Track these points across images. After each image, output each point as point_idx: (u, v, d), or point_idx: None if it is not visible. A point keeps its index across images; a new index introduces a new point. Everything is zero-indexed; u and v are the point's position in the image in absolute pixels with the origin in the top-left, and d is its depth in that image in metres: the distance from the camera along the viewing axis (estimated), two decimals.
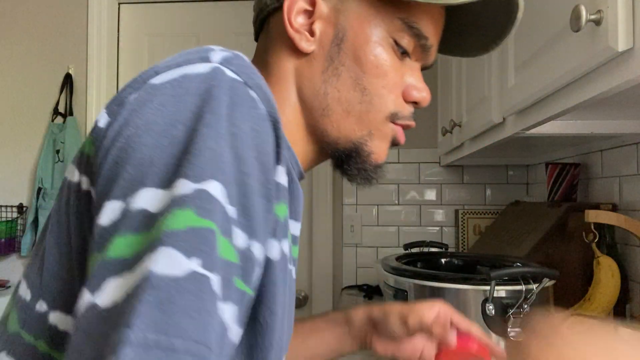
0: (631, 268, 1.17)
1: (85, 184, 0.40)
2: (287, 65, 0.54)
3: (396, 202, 2.10)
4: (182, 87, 0.37)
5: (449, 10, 0.56)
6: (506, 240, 1.44)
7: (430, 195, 2.08)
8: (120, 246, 0.33)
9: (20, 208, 2.24)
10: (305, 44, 0.52)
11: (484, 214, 2.01)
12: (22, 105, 2.27)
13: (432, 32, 0.53)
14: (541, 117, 0.83)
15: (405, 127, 0.55)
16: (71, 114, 2.22)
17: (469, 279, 0.89)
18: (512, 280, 0.86)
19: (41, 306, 0.41)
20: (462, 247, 2.01)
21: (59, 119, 2.23)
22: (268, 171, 0.37)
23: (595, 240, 1.09)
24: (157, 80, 0.39)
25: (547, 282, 0.86)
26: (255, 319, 0.41)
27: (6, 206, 2.24)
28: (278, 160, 0.39)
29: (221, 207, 0.33)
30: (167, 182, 0.34)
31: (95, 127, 0.40)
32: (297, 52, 0.53)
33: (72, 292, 0.39)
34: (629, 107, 0.84)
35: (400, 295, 0.97)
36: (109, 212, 0.34)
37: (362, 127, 0.53)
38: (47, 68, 2.26)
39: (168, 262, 0.30)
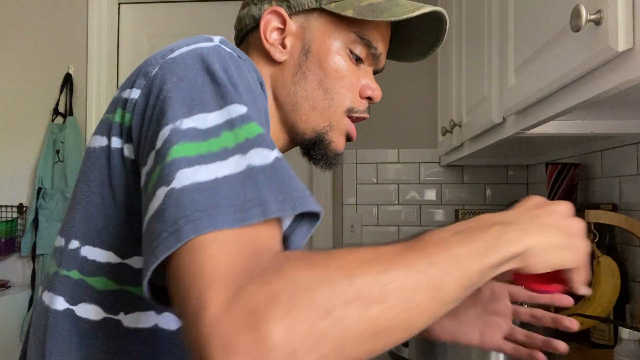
0: (631, 268, 1.17)
1: (127, 150, 0.50)
2: (264, 72, 0.66)
3: (396, 202, 2.10)
4: (197, 55, 0.49)
5: (393, 24, 0.69)
6: None
7: (430, 195, 2.08)
8: (179, 150, 0.41)
9: (20, 208, 2.24)
10: (279, 55, 0.65)
11: None
12: (22, 105, 2.27)
13: (380, 42, 0.67)
14: (541, 117, 0.83)
15: (360, 119, 0.68)
16: (71, 114, 2.22)
17: None
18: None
19: (73, 244, 0.52)
20: None
21: (59, 119, 2.23)
22: (263, 110, 0.50)
23: (595, 240, 1.09)
24: (174, 55, 0.51)
25: None
26: None
27: (6, 206, 2.24)
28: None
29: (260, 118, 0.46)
30: (218, 107, 0.44)
31: (129, 100, 0.50)
32: (272, 61, 0.66)
33: (98, 230, 0.51)
34: (629, 107, 0.84)
35: None
36: (161, 139, 0.43)
37: (325, 120, 0.66)
38: (47, 68, 2.26)
39: (262, 156, 0.41)
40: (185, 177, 0.39)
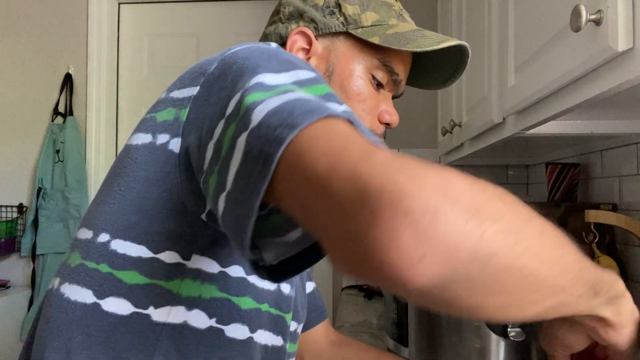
0: (631, 268, 1.17)
1: (174, 144, 0.50)
2: None
3: None
4: (257, 45, 0.52)
5: (416, 54, 0.70)
6: None
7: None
8: (250, 98, 0.40)
9: (20, 208, 2.24)
10: None
11: None
12: (22, 105, 2.27)
13: (401, 69, 0.69)
14: (541, 117, 0.83)
15: None
16: (71, 114, 2.22)
17: None
18: None
19: (103, 238, 0.51)
20: None
21: (59, 119, 2.23)
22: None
23: (595, 240, 1.09)
24: (234, 49, 0.53)
25: None
26: None
27: (6, 206, 2.24)
28: None
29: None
30: (285, 70, 0.44)
31: (185, 98, 0.51)
32: None
33: (130, 224, 0.51)
34: (629, 107, 0.84)
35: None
36: (232, 104, 0.43)
37: None
38: (47, 68, 2.26)
39: (334, 107, 0.38)
40: (259, 112, 0.38)
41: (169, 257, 0.50)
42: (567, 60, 0.67)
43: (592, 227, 1.08)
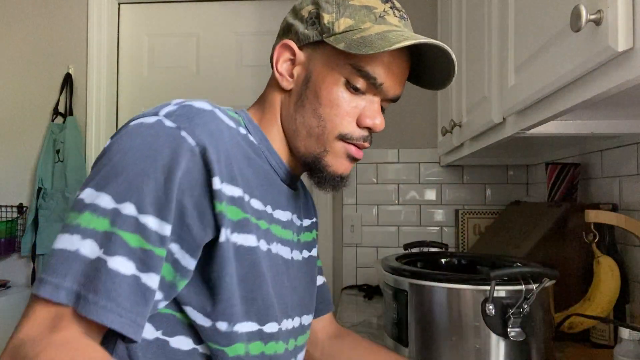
0: (631, 268, 1.17)
1: None
2: (276, 98, 0.75)
3: (396, 202, 2.10)
4: (134, 131, 0.59)
5: (410, 54, 0.72)
6: (506, 240, 1.44)
7: (430, 195, 2.08)
8: (69, 217, 0.57)
9: (20, 208, 2.24)
10: (286, 83, 0.72)
11: (484, 214, 2.01)
12: (22, 105, 2.27)
13: (380, 71, 0.68)
14: (541, 117, 0.83)
15: (359, 147, 0.72)
16: (71, 114, 2.22)
17: (469, 279, 0.89)
18: (512, 280, 0.86)
19: None
20: (462, 247, 2.01)
21: (59, 119, 2.23)
22: (176, 189, 0.56)
23: (595, 240, 1.09)
24: (130, 124, 0.61)
25: (547, 282, 0.86)
26: (204, 276, 0.61)
27: (6, 206, 2.24)
28: (212, 173, 0.59)
29: (130, 216, 0.55)
30: (98, 189, 0.56)
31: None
32: (282, 88, 0.73)
33: None
34: (629, 107, 0.84)
35: (400, 295, 0.97)
36: (75, 196, 0.58)
37: (319, 145, 0.71)
38: (47, 68, 2.26)
39: (92, 250, 0.55)
40: (57, 240, 0.54)
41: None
42: (567, 60, 0.67)
43: (592, 227, 1.08)
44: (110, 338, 0.58)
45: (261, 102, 0.77)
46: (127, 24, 2.34)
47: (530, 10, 0.86)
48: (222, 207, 0.59)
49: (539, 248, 1.23)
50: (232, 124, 0.67)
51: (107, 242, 0.53)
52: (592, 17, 0.57)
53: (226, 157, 0.61)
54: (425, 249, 1.53)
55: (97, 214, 0.54)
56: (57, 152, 2.17)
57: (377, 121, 0.70)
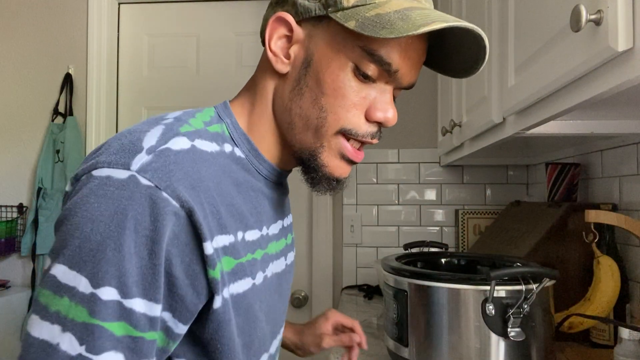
0: (631, 268, 1.17)
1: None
2: (268, 84, 0.63)
3: (396, 202, 2.10)
4: (102, 189, 0.48)
5: (430, 33, 0.59)
6: (506, 240, 1.44)
7: (430, 195, 2.08)
8: (42, 294, 0.47)
9: (20, 208, 2.24)
10: (281, 65, 0.60)
11: (484, 214, 2.01)
12: (22, 105, 2.27)
13: (396, 56, 0.57)
14: (541, 117, 0.83)
15: (363, 143, 0.62)
16: (71, 114, 2.22)
17: (469, 279, 0.89)
18: (512, 280, 0.86)
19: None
20: (462, 247, 2.01)
21: (59, 119, 2.23)
22: (163, 262, 0.48)
23: (595, 240, 1.09)
24: (95, 172, 0.50)
25: (547, 282, 0.86)
26: (198, 334, 0.55)
27: (6, 206, 2.24)
28: (202, 238, 0.51)
29: (114, 302, 0.46)
30: (74, 268, 0.46)
31: (66, 191, 0.53)
32: (276, 72, 0.61)
33: None
34: (629, 107, 0.84)
35: (400, 295, 0.97)
36: (46, 260, 0.49)
37: (316, 139, 0.60)
38: (47, 68, 2.26)
39: (72, 345, 0.46)
40: (31, 324, 0.46)
41: None
42: (567, 60, 0.67)
43: (592, 227, 1.08)
44: None
45: (251, 88, 0.65)
46: (127, 24, 2.34)
47: (530, 10, 0.86)
48: (215, 272, 0.52)
49: (539, 248, 1.23)
50: (215, 147, 0.58)
51: (89, 336, 0.45)
52: (592, 17, 0.57)
53: (212, 208, 0.53)
54: (425, 249, 1.53)
55: (74, 300, 0.45)
56: (57, 152, 2.17)
57: (390, 114, 0.59)
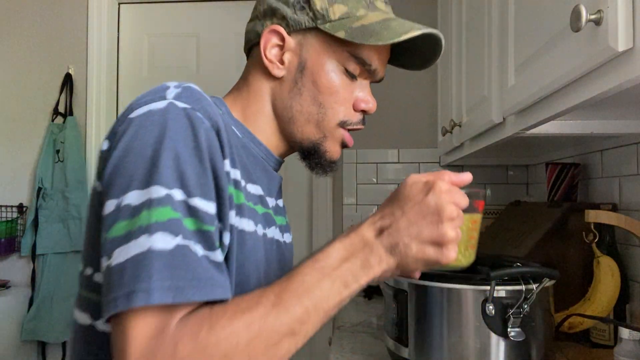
0: (631, 268, 1.17)
1: (99, 187, 0.58)
2: (264, 86, 0.73)
3: None
4: (148, 120, 0.55)
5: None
6: (506, 240, 1.44)
7: None
8: (117, 229, 0.51)
9: (20, 208, 2.24)
10: (277, 71, 0.71)
11: (484, 214, 2.01)
12: (22, 105, 2.27)
13: (375, 58, 0.71)
14: (541, 117, 0.83)
15: (355, 130, 0.74)
16: (71, 114, 2.22)
17: (469, 279, 0.89)
18: (512, 280, 0.86)
19: (87, 270, 0.61)
20: None
21: (59, 119, 2.23)
22: (210, 164, 0.56)
23: (595, 240, 1.08)
24: (133, 114, 0.57)
25: (547, 282, 0.86)
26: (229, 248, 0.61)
27: (6, 206, 2.24)
28: (224, 155, 0.58)
29: (181, 201, 0.52)
30: (145, 185, 0.52)
31: (101, 151, 0.59)
32: (271, 76, 0.71)
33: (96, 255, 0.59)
34: (629, 107, 0.84)
35: (401, 295, 0.97)
36: (109, 207, 0.53)
37: (319, 131, 0.72)
38: (47, 68, 2.26)
39: (164, 241, 0.50)
40: (115, 256, 0.50)
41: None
42: (567, 60, 0.67)
43: (592, 227, 1.08)
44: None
45: (243, 90, 0.74)
46: (127, 24, 2.34)
47: (530, 10, 0.86)
48: (231, 190, 0.60)
49: (539, 248, 1.23)
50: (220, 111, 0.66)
51: (178, 228, 0.51)
52: (592, 17, 0.57)
53: (229, 140, 0.60)
54: None
55: (153, 206, 0.50)
56: (57, 152, 2.17)
57: (371, 104, 0.73)
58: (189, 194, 0.53)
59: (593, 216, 1.05)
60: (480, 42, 1.22)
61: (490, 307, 0.85)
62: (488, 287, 0.85)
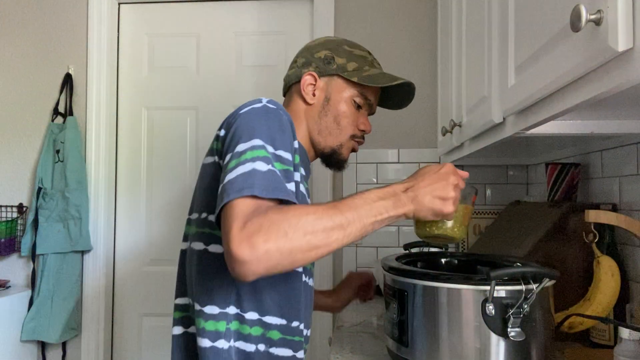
0: (631, 268, 1.17)
1: (217, 160, 0.92)
2: (301, 108, 1.11)
3: None
4: (252, 111, 0.89)
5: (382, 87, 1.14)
6: (506, 240, 1.44)
7: None
8: (231, 165, 0.80)
9: (20, 208, 2.24)
10: (310, 99, 1.09)
11: (484, 214, 2.01)
12: (22, 105, 2.27)
13: (372, 96, 1.12)
14: (541, 117, 0.83)
15: (357, 142, 1.14)
16: (71, 114, 2.22)
17: (469, 279, 0.89)
18: (512, 280, 0.86)
19: (202, 215, 0.95)
20: (462, 247, 2.01)
21: (59, 119, 2.23)
22: (289, 138, 0.89)
23: (595, 240, 1.08)
24: (241, 112, 0.90)
25: (547, 282, 0.86)
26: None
27: (6, 206, 2.24)
28: (295, 138, 0.92)
29: (272, 152, 0.83)
30: (254, 137, 0.83)
31: (219, 136, 0.92)
32: (306, 103, 1.10)
33: (212, 205, 0.92)
34: (629, 107, 0.84)
35: (400, 295, 0.97)
36: (227, 159, 0.83)
37: (337, 141, 1.10)
38: (47, 68, 2.26)
39: (262, 166, 0.79)
40: (229, 176, 0.78)
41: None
42: (567, 60, 0.67)
43: (592, 227, 1.08)
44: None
45: (287, 107, 1.12)
46: (127, 24, 2.34)
47: (530, 10, 0.86)
48: (297, 159, 0.93)
49: (539, 248, 1.23)
50: None
51: (269, 161, 0.79)
52: (592, 17, 0.57)
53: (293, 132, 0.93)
54: (425, 249, 1.53)
55: (256, 149, 0.80)
56: (57, 152, 2.17)
57: (368, 127, 1.13)
58: (276, 148, 0.83)
59: (593, 216, 1.05)
60: (480, 42, 1.22)
61: (490, 307, 0.85)
62: (488, 287, 0.85)
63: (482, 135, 1.25)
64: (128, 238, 2.32)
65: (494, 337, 0.86)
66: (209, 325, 0.90)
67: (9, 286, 2.20)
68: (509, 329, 0.84)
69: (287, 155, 0.84)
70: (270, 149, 0.82)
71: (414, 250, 1.44)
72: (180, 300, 0.99)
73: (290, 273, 0.94)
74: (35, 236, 2.14)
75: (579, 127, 0.96)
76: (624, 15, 0.54)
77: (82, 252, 2.20)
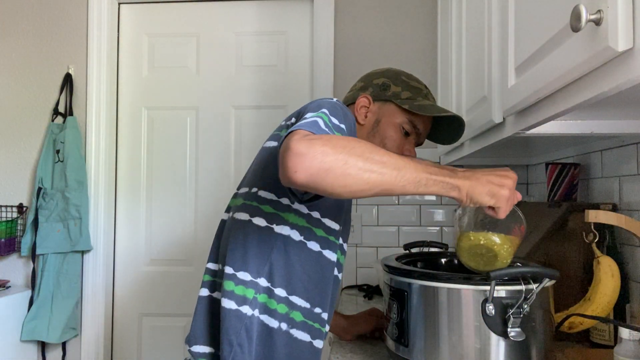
0: (631, 268, 1.17)
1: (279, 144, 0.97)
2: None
3: (396, 202, 2.09)
4: (325, 100, 0.95)
5: (434, 120, 1.19)
6: None
7: (430, 195, 2.07)
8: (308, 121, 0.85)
9: (20, 208, 2.24)
10: (361, 120, 1.13)
11: None
12: (22, 105, 2.27)
13: (422, 126, 1.14)
14: (541, 117, 0.83)
15: None
16: (71, 113, 2.22)
17: (469, 279, 0.89)
18: (512, 280, 0.86)
19: (252, 189, 1.02)
20: None
21: (59, 119, 2.23)
22: (349, 129, 0.94)
23: (595, 240, 1.08)
24: (313, 102, 0.95)
25: (547, 282, 0.86)
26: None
27: (6, 206, 2.24)
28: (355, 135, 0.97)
29: (334, 120, 0.90)
30: (315, 111, 0.88)
31: (287, 124, 1.01)
32: (358, 123, 1.13)
33: (265, 182, 1.01)
34: (629, 107, 0.84)
35: (400, 295, 0.97)
36: (303, 115, 0.91)
37: None
38: (47, 68, 2.26)
39: (322, 123, 0.85)
40: (297, 124, 0.81)
41: (284, 200, 0.98)
42: (567, 61, 0.67)
43: (592, 227, 1.08)
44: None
45: None
46: (127, 24, 2.34)
47: (530, 10, 0.86)
48: None
49: (539, 248, 1.23)
50: None
51: (330, 121, 0.87)
52: (592, 17, 0.57)
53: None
54: (425, 249, 1.53)
55: (319, 115, 0.85)
56: (57, 152, 2.17)
57: (413, 154, 1.14)
58: (339, 121, 0.90)
59: (593, 216, 1.05)
60: (480, 42, 1.22)
61: (490, 307, 0.85)
62: (488, 287, 0.85)
63: (482, 135, 1.25)
64: (128, 238, 2.32)
65: (494, 337, 0.86)
66: (239, 290, 0.95)
67: (9, 286, 2.20)
68: (509, 329, 0.84)
69: (346, 127, 0.92)
70: (334, 120, 0.88)
71: (414, 250, 1.44)
72: (212, 265, 1.05)
73: (323, 259, 1.00)
74: (35, 236, 2.14)
75: (579, 127, 0.96)
76: (624, 15, 0.54)
77: (82, 252, 2.20)
